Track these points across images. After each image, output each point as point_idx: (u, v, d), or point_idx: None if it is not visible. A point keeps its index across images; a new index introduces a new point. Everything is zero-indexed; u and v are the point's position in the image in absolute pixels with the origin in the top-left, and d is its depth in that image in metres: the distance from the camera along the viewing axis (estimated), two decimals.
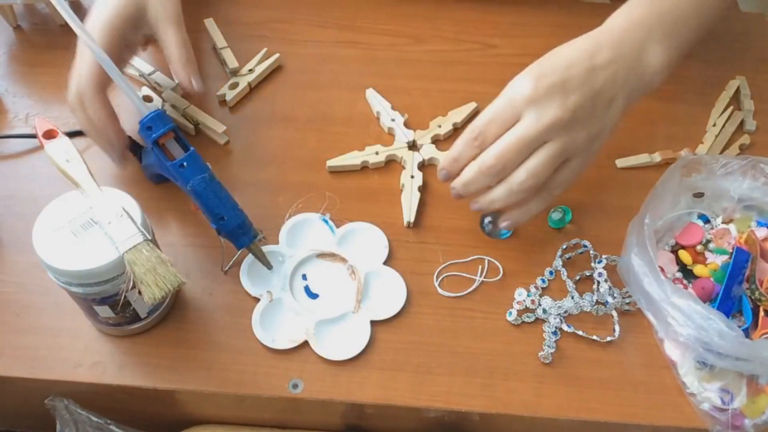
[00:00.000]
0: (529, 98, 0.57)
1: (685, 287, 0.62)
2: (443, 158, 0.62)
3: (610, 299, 0.62)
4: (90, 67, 0.63)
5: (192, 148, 0.59)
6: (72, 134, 0.71)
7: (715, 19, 0.67)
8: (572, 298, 0.63)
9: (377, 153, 0.71)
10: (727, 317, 0.57)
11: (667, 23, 0.62)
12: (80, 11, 0.82)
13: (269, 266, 0.63)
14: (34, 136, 0.67)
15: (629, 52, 0.60)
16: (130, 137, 0.70)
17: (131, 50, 0.70)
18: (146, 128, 0.59)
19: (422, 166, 0.70)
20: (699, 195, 0.66)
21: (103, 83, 0.63)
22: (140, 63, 0.76)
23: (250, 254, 0.63)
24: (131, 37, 0.67)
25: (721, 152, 0.72)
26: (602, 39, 0.60)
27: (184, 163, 0.59)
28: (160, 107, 0.72)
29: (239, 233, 0.60)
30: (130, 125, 0.71)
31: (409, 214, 0.66)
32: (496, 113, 0.58)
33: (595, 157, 0.61)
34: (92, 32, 0.62)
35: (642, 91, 0.62)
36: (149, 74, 0.75)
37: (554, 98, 0.57)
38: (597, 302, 0.62)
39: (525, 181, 0.58)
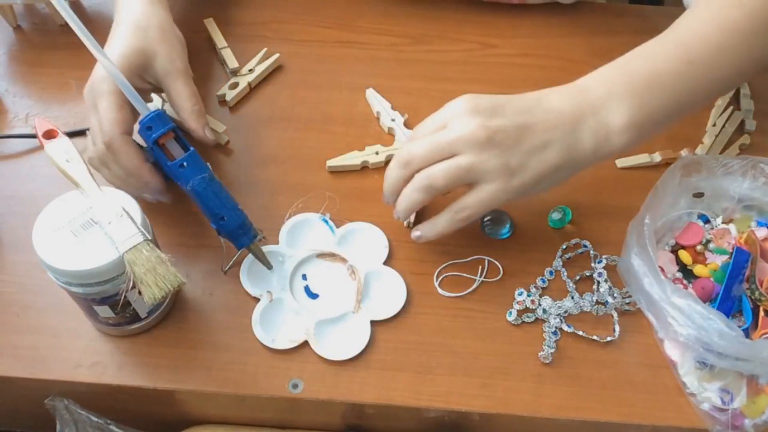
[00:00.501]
0: (458, 112, 0.58)
1: (685, 287, 0.62)
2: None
3: (610, 299, 0.62)
4: (112, 114, 0.60)
5: (192, 148, 0.59)
6: (72, 134, 0.71)
7: (717, 86, 0.64)
8: (572, 298, 0.63)
9: (377, 153, 0.71)
10: (727, 317, 0.57)
11: (636, 84, 0.59)
12: (80, 11, 0.82)
13: (269, 266, 0.63)
14: (34, 136, 0.67)
15: (580, 105, 0.58)
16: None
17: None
18: (146, 128, 0.59)
19: None
20: (699, 195, 0.66)
21: (129, 126, 0.62)
22: None
23: (250, 254, 0.63)
24: (138, 84, 0.64)
25: (721, 152, 0.72)
26: (556, 89, 0.60)
27: (184, 163, 0.59)
28: (160, 107, 0.72)
29: (239, 233, 0.60)
30: None
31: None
32: (431, 120, 0.60)
33: (514, 197, 0.59)
34: None
35: (597, 150, 0.59)
36: None
37: (479, 116, 0.57)
38: (597, 302, 0.62)
39: (422, 179, 0.59)
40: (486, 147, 0.57)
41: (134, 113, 0.61)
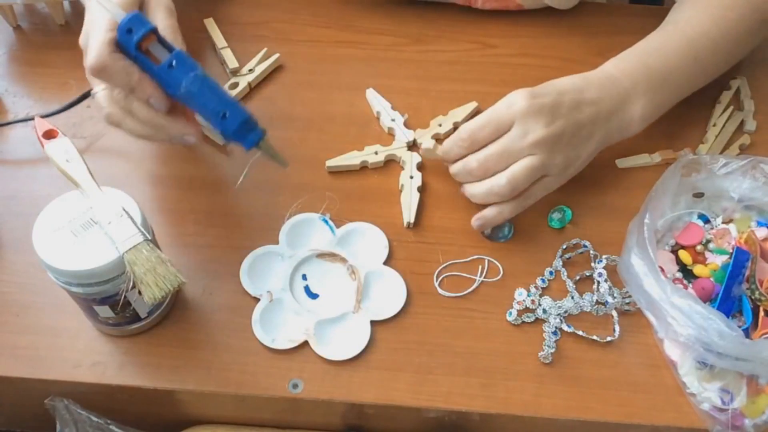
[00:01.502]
0: (521, 112, 0.61)
1: (685, 287, 0.62)
2: (440, 146, 0.66)
3: (610, 299, 0.62)
4: (100, 36, 0.55)
5: (177, 48, 0.55)
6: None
7: (706, 80, 0.72)
8: (572, 298, 0.63)
9: (376, 153, 0.71)
10: (727, 317, 0.57)
11: (653, 79, 0.66)
12: (80, 9, 0.82)
13: (284, 163, 0.60)
14: (30, 119, 0.66)
15: (613, 98, 0.65)
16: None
17: None
18: (126, 31, 0.54)
19: (421, 166, 0.70)
20: (699, 195, 0.66)
21: (118, 48, 0.56)
22: None
23: (249, 256, 0.63)
24: None
25: (721, 152, 0.72)
26: (592, 79, 0.65)
27: (173, 63, 0.54)
28: None
29: (246, 130, 0.57)
30: None
31: (408, 214, 0.66)
32: (489, 120, 0.62)
33: (565, 181, 0.66)
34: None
35: (618, 137, 0.67)
36: None
37: (542, 118, 0.61)
38: (597, 302, 0.62)
39: (504, 186, 0.62)
40: (554, 148, 0.62)
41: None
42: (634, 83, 0.65)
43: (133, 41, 0.54)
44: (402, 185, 0.68)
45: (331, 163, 0.70)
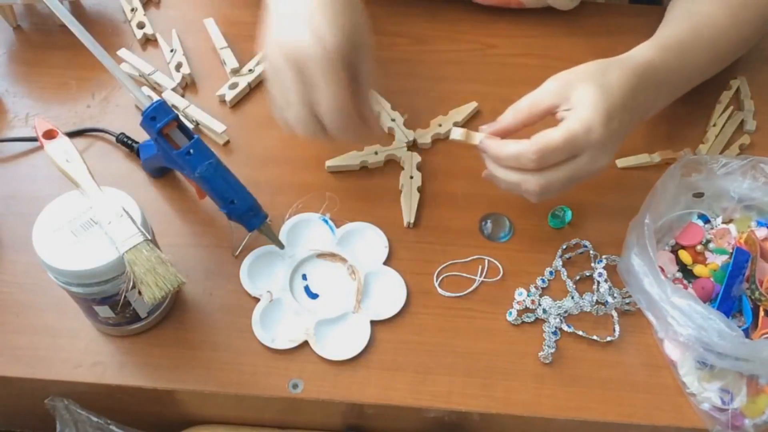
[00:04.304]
0: (598, 142, 0.58)
1: (685, 287, 0.62)
2: (492, 145, 0.61)
3: (610, 299, 0.62)
4: (334, 90, 0.56)
5: (197, 136, 0.59)
6: (72, 134, 0.71)
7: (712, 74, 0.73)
8: (572, 298, 0.63)
9: (376, 153, 0.71)
10: (727, 317, 0.57)
11: (672, 80, 0.65)
12: (80, 11, 0.82)
13: (281, 246, 0.63)
14: (34, 139, 0.67)
15: (648, 93, 0.62)
16: (124, 134, 0.70)
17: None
18: (150, 119, 0.58)
19: (420, 166, 0.70)
20: (699, 195, 0.66)
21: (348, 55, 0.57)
22: (140, 63, 0.76)
23: (249, 256, 0.63)
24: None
25: (721, 152, 0.72)
26: (643, 78, 0.61)
27: (191, 151, 0.58)
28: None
29: (250, 215, 0.61)
30: (128, 124, 0.71)
31: (409, 214, 0.66)
32: (564, 146, 0.58)
33: None
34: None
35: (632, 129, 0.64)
36: (149, 74, 0.75)
37: (611, 145, 0.59)
38: (597, 302, 0.62)
39: (533, 190, 0.60)
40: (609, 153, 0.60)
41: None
42: (668, 80, 0.65)
43: (156, 128, 0.58)
44: (402, 185, 0.68)
45: (331, 163, 0.70)
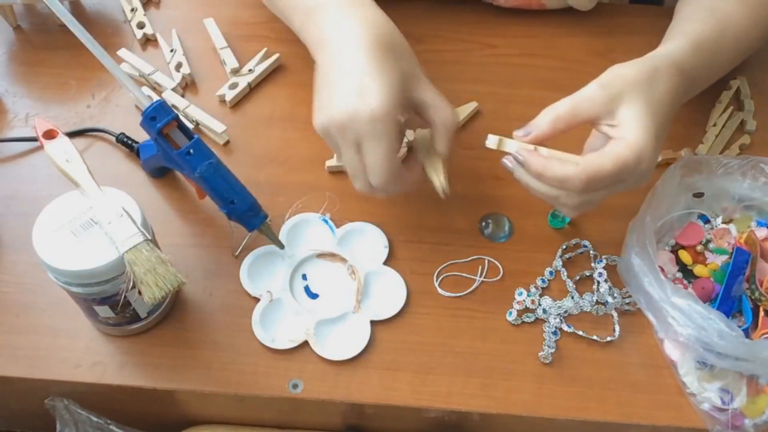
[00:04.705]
0: (647, 172, 0.57)
1: (685, 287, 0.62)
2: (534, 162, 0.58)
3: (610, 299, 0.62)
4: (386, 157, 0.56)
5: (197, 136, 0.59)
6: (72, 134, 0.71)
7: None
8: (572, 298, 0.63)
9: None
10: (727, 317, 0.57)
11: (696, 80, 0.63)
12: (80, 11, 0.82)
13: (281, 246, 0.63)
14: (34, 139, 0.67)
15: (676, 94, 0.60)
16: (124, 134, 0.70)
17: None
18: (150, 119, 0.58)
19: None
20: (699, 195, 0.66)
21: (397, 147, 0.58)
22: (140, 63, 0.76)
23: (249, 256, 0.63)
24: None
25: (721, 152, 0.72)
26: (672, 77, 0.59)
27: (191, 150, 0.58)
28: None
29: (250, 215, 0.61)
30: (128, 124, 0.71)
31: (439, 181, 0.62)
32: (616, 174, 0.56)
33: None
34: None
35: None
36: (149, 74, 0.75)
37: (654, 164, 0.57)
38: (597, 302, 0.62)
39: (575, 208, 0.59)
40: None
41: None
42: (697, 81, 0.64)
43: (156, 128, 0.58)
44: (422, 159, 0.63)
45: (331, 163, 0.70)
